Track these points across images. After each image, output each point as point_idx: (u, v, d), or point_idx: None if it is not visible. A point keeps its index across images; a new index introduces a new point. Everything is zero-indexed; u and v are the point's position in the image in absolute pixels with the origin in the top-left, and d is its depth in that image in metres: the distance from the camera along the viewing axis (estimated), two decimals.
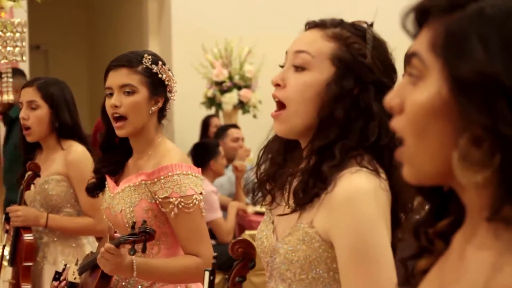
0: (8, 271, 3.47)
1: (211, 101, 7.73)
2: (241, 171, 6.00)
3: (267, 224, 1.77)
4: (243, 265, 1.75)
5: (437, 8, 0.94)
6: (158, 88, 2.60)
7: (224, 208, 5.92)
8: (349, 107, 1.63)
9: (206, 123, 7.87)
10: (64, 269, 2.81)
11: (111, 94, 2.58)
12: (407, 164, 0.97)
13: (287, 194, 1.72)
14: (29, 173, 3.38)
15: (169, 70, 2.64)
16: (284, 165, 1.76)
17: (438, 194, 1.00)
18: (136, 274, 2.41)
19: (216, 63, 7.66)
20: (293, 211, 1.65)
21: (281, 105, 1.71)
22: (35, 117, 3.41)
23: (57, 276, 2.70)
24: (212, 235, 5.83)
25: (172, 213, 2.48)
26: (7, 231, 3.59)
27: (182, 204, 2.48)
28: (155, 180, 2.49)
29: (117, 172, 2.71)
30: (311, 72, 1.66)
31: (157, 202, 2.50)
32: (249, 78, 7.64)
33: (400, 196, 1.63)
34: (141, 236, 2.31)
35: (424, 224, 1.02)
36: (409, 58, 0.96)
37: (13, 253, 3.42)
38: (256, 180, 1.80)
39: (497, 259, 0.88)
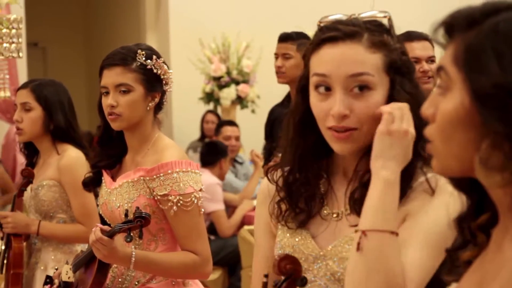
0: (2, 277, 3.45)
1: (209, 97, 7.72)
2: (260, 158, 6.03)
3: (303, 234, 1.69)
4: (290, 282, 1.68)
5: (458, 24, 1.03)
6: (154, 83, 2.58)
7: (227, 205, 5.96)
8: (415, 108, 1.51)
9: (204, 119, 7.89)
10: (54, 273, 2.77)
11: (107, 93, 2.56)
12: (435, 158, 1.08)
13: (332, 201, 1.68)
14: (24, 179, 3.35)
15: (163, 62, 2.61)
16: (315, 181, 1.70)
17: (477, 189, 1.08)
18: (134, 266, 2.40)
19: (214, 58, 7.65)
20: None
21: (349, 129, 1.60)
22: (29, 119, 3.36)
23: (48, 280, 2.65)
24: (213, 231, 5.82)
25: (171, 211, 2.47)
26: (1, 238, 3.55)
27: (181, 202, 2.48)
28: (154, 177, 2.48)
29: (114, 166, 2.69)
30: (376, 90, 1.58)
31: (156, 198, 2.49)
32: (247, 73, 7.63)
33: None
34: (137, 222, 2.28)
35: (466, 218, 1.10)
36: (438, 71, 1.06)
37: (2, 260, 3.39)
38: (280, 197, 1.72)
39: None
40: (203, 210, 2.55)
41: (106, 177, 2.67)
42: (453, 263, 1.12)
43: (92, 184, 2.75)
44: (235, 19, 8.23)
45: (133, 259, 2.38)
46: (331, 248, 1.65)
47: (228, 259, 5.81)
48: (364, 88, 1.56)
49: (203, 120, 7.87)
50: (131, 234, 2.29)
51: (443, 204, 1.52)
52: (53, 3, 10.85)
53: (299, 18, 5.88)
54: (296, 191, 1.69)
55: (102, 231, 2.35)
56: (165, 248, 2.55)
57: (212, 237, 5.78)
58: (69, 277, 2.57)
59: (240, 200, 6.09)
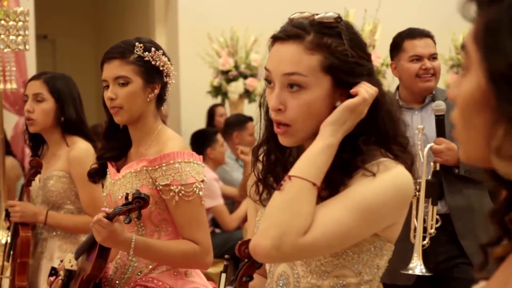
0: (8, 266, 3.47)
1: (217, 90, 7.72)
2: (247, 155, 5.98)
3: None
4: (250, 265, 1.77)
5: (479, 1, 0.95)
6: (153, 75, 2.61)
7: (226, 197, 5.92)
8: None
9: (211, 112, 7.87)
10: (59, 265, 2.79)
11: (107, 87, 2.61)
12: (460, 144, 1.00)
13: None
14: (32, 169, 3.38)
15: (163, 54, 2.63)
16: (284, 158, 1.79)
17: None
18: (133, 251, 2.42)
19: (222, 52, 7.65)
20: (332, 194, 1.68)
21: (284, 124, 1.73)
22: (41, 110, 3.40)
23: (53, 271, 2.68)
24: (218, 224, 5.83)
25: (173, 200, 2.50)
26: (8, 227, 3.58)
27: (183, 192, 2.50)
28: (157, 167, 2.51)
29: (120, 158, 2.71)
30: (310, 90, 1.68)
31: (158, 188, 2.51)
32: (255, 67, 7.63)
33: None
34: (136, 203, 2.32)
35: (499, 211, 1.01)
36: (462, 49, 1.01)
37: (10, 249, 3.41)
38: (257, 179, 1.82)
39: None
40: (204, 200, 2.56)
41: (110, 169, 2.69)
42: (485, 259, 1.03)
43: (97, 175, 2.78)
44: (243, 14, 8.23)
45: (133, 243, 2.40)
46: None
47: (233, 251, 5.78)
48: (295, 86, 1.67)
49: (212, 114, 7.88)
50: (130, 216, 2.32)
51: (382, 181, 1.64)
52: None
53: (310, 11, 5.86)
54: (269, 170, 1.80)
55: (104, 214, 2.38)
56: (168, 239, 2.57)
57: (218, 230, 5.79)
58: (72, 265, 2.59)
59: (238, 194, 6.04)
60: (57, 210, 3.40)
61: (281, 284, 1.75)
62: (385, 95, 1.74)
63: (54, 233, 3.41)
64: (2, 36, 4.00)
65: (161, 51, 2.63)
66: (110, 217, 2.36)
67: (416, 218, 3.36)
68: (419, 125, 3.44)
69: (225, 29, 7.71)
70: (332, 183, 1.67)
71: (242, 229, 5.52)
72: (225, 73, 7.63)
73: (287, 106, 1.68)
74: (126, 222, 2.32)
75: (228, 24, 7.75)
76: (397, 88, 3.64)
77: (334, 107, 1.68)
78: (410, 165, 1.70)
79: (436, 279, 3.44)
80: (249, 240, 1.69)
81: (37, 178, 3.44)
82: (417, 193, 3.36)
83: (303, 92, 1.67)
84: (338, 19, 1.69)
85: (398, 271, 3.39)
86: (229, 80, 7.61)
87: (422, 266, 3.32)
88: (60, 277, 2.60)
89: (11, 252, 3.42)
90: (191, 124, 8.11)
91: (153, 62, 2.60)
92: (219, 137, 6.04)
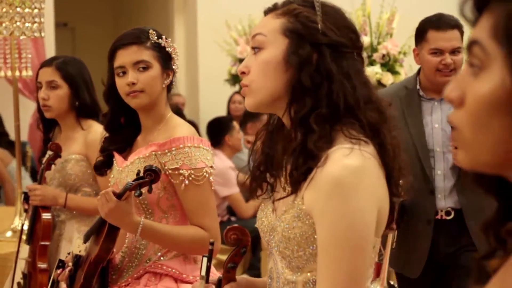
0: (25, 249, 3.50)
1: (235, 78, 7.72)
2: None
3: (268, 204, 1.77)
4: (236, 252, 1.76)
5: None
6: (168, 61, 2.64)
7: (241, 185, 5.91)
8: (312, 74, 1.64)
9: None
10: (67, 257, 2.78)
11: (124, 73, 2.59)
12: (462, 150, 0.92)
13: (283, 177, 1.72)
14: (50, 153, 3.40)
15: (171, 42, 2.67)
16: (274, 149, 1.77)
17: (507, 191, 0.95)
18: (140, 234, 2.42)
19: (240, 40, 7.64)
20: (289, 194, 1.65)
21: (246, 86, 1.74)
22: (56, 96, 3.42)
23: (60, 264, 2.67)
24: (233, 212, 5.84)
25: (183, 185, 2.49)
26: (25, 210, 3.61)
27: (192, 176, 2.49)
28: (166, 151, 2.50)
29: (125, 150, 2.71)
30: (267, 49, 1.68)
31: (167, 173, 2.51)
32: None
33: (392, 176, 1.63)
34: (147, 176, 2.30)
35: (494, 223, 0.96)
36: (470, 46, 0.90)
37: (31, 231, 3.45)
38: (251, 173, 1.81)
39: None
40: (216, 190, 2.55)
41: (117, 157, 2.69)
42: (480, 272, 0.97)
43: (104, 167, 2.78)
44: (261, 1, 8.20)
45: (141, 226, 2.40)
46: (274, 220, 1.70)
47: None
48: (257, 48, 1.70)
49: (230, 101, 7.88)
50: (141, 190, 2.30)
51: (332, 196, 1.54)
52: None
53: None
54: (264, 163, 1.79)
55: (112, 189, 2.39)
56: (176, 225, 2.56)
57: (233, 218, 5.80)
58: (80, 251, 2.59)
59: None
60: (75, 193, 3.44)
61: (270, 279, 1.74)
62: (338, 57, 1.65)
63: (71, 216, 3.44)
64: (18, 23, 4.02)
65: (169, 39, 2.67)
66: (121, 193, 2.35)
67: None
68: (438, 118, 3.38)
69: (243, 16, 7.70)
70: (292, 182, 1.63)
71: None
72: (243, 61, 7.60)
73: (250, 69, 1.70)
74: (136, 195, 2.30)
75: (246, 11, 7.74)
76: (418, 73, 3.51)
77: None
78: (379, 145, 1.62)
79: (444, 269, 3.42)
80: (236, 226, 1.69)
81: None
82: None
83: (261, 52, 1.68)
84: None
85: (406, 262, 3.39)
86: None
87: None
88: (68, 268, 2.59)
89: (30, 235, 3.46)
90: (209, 112, 8.11)
91: (167, 49, 2.63)
92: (235, 123, 6.05)
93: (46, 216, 3.39)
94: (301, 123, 1.64)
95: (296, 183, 1.63)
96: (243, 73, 1.71)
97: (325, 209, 1.55)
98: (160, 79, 2.60)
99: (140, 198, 2.45)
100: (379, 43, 6.05)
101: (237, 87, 7.88)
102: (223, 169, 5.62)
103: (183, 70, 9.18)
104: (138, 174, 2.33)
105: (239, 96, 7.77)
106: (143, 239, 2.54)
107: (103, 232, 2.44)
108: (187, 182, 2.49)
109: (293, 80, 1.66)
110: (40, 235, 3.36)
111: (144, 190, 2.32)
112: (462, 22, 0.90)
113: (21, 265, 3.50)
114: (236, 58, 7.66)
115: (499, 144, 0.87)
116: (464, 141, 0.90)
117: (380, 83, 5.75)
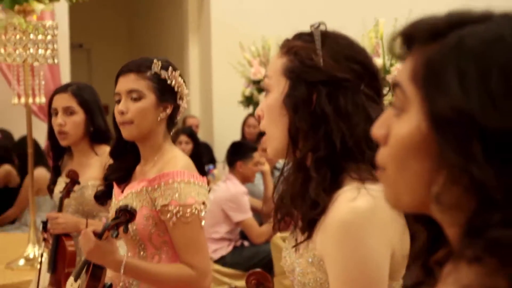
0: (45, 278, 3.49)
1: (248, 100, 7.72)
2: (261, 164, 5.89)
3: (291, 241, 1.69)
4: None
5: (420, 35, 0.89)
6: (167, 94, 2.55)
7: (253, 210, 5.88)
8: (306, 116, 1.56)
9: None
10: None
11: (119, 101, 2.55)
12: (387, 188, 0.93)
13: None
14: (67, 180, 3.40)
15: (180, 76, 2.59)
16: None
17: (434, 223, 0.94)
18: (124, 272, 2.38)
19: (254, 61, 7.66)
20: (306, 238, 1.59)
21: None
22: (72, 122, 3.42)
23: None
24: (245, 237, 5.81)
25: (171, 221, 2.44)
26: (44, 239, 3.61)
27: (181, 213, 2.43)
28: (156, 186, 2.45)
29: (126, 179, 2.66)
30: (272, 92, 1.63)
31: (157, 209, 2.46)
32: None
33: None
34: (121, 216, 2.28)
35: (423, 253, 0.98)
36: (393, 87, 0.92)
37: (53, 260, 3.44)
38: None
39: None
40: (203, 222, 2.48)
41: (116, 189, 2.66)
42: None
43: (104, 197, 2.77)
44: (275, 23, 8.23)
45: (123, 265, 2.36)
46: (294, 261, 1.65)
47: (261, 266, 5.73)
48: (266, 91, 1.66)
49: (244, 124, 7.88)
50: (118, 230, 2.28)
51: (342, 240, 1.49)
52: (98, 6, 10.99)
53: (338, 21, 5.85)
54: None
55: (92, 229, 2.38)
56: (169, 262, 2.51)
57: (246, 243, 5.77)
58: None
59: (264, 206, 6.00)
60: (93, 219, 3.44)
61: None
62: (331, 99, 1.56)
63: None
64: (32, 50, 4.04)
65: (178, 72, 2.58)
66: (100, 233, 2.33)
67: None
68: None
69: (257, 38, 7.73)
70: (302, 230, 1.58)
71: (270, 243, 5.49)
72: (256, 82, 7.62)
73: (264, 113, 1.65)
74: (113, 236, 2.28)
75: (259, 33, 7.77)
76: None
77: None
78: None
79: None
80: (257, 271, 1.63)
81: (57, 189, 3.48)
82: None
83: (268, 96, 1.64)
84: (315, 25, 1.62)
85: None
86: (260, 90, 7.60)
87: None
88: None
89: (53, 264, 3.46)
90: (223, 134, 8.14)
91: (168, 82, 2.55)
92: (256, 155, 5.86)
93: (70, 245, 3.38)
94: (299, 169, 1.59)
95: (306, 230, 1.58)
96: (259, 116, 1.66)
97: (334, 255, 1.51)
98: (153, 111, 2.53)
99: (132, 234, 2.44)
100: (391, 65, 6.03)
101: (251, 109, 7.89)
102: (237, 194, 5.59)
103: (197, 92, 9.21)
104: (116, 213, 2.32)
105: (253, 119, 7.76)
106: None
107: (89, 271, 2.42)
108: (175, 219, 2.43)
109: (290, 124, 1.59)
110: (66, 263, 3.35)
111: (120, 230, 2.31)
112: None
113: None
114: (250, 79, 7.67)
115: (417, 186, 0.88)
116: (388, 179, 0.92)
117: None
